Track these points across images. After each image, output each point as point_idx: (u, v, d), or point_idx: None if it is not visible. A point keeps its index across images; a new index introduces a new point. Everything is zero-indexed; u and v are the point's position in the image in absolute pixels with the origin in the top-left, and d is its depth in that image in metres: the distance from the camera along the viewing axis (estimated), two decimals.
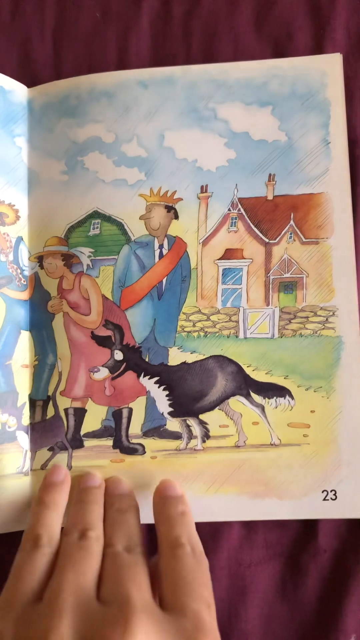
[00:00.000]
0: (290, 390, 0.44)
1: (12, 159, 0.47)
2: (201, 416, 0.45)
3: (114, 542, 0.36)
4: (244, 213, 0.46)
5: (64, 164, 0.47)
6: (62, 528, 0.38)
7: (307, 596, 0.43)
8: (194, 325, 0.45)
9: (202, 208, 0.46)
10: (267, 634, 0.43)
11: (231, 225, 0.46)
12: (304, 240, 0.45)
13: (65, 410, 0.45)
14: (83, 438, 0.45)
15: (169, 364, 0.45)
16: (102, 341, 0.45)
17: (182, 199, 0.46)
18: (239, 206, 0.46)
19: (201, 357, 0.45)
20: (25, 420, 0.45)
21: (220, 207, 0.46)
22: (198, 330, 0.45)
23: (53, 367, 0.46)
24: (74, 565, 0.33)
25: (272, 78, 0.46)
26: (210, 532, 0.44)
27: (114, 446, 0.45)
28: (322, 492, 0.43)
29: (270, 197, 0.46)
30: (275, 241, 0.46)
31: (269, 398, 0.44)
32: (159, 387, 0.45)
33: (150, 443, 0.45)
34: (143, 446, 0.45)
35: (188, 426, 0.45)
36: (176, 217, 0.46)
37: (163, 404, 0.45)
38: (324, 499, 0.43)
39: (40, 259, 0.47)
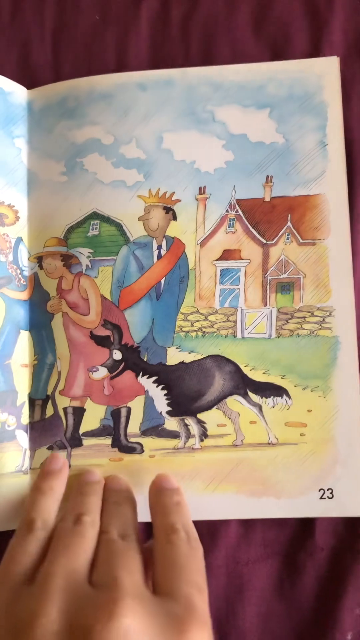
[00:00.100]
0: (287, 390, 0.45)
1: (11, 160, 0.47)
2: (199, 415, 0.45)
3: (109, 529, 0.36)
4: (241, 214, 0.46)
5: (63, 165, 0.47)
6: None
7: (304, 594, 0.43)
8: (192, 325, 0.46)
9: (200, 209, 0.47)
10: (265, 631, 0.43)
11: (229, 226, 0.46)
12: (301, 241, 0.46)
13: (64, 409, 0.45)
14: (82, 437, 0.45)
15: (167, 363, 0.46)
16: (101, 341, 0.46)
17: (180, 200, 0.47)
18: (237, 207, 0.46)
19: (199, 356, 0.45)
20: (25, 419, 0.45)
21: (218, 208, 0.46)
22: (196, 330, 0.46)
23: (52, 366, 0.46)
24: (67, 548, 0.33)
25: (269, 81, 0.47)
26: (208, 531, 0.44)
27: (113, 445, 0.45)
28: (319, 490, 0.43)
29: (267, 199, 0.46)
30: (273, 242, 0.46)
31: (266, 397, 0.45)
32: (157, 386, 0.45)
33: (149, 442, 0.45)
34: (141, 445, 0.45)
35: (186, 425, 0.45)
36: (174, 218, 0.47)
37: (161, 404, 0.45)
38: (321, 498, 0.43)
39: (39, 260, 0.47)
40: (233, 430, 0.45)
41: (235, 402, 0.45)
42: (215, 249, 0.46)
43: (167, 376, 0.46)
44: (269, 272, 0.46)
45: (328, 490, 0.43)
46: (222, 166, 0.46)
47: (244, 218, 0.46)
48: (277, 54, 0.50)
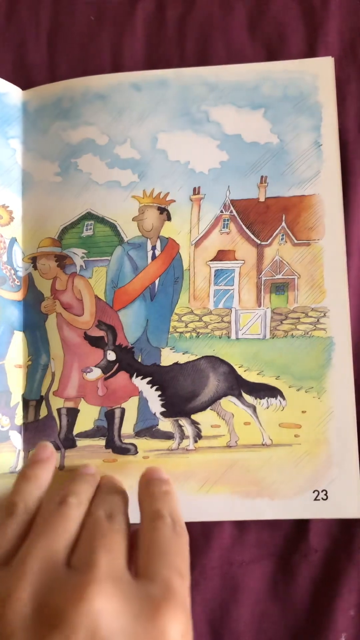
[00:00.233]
0: (281, 391, 0.44)
1: (6, 161, 0.47)
2: (193, 416, 0.45)
3: (95, 510, 0.35)
4: (236, 215, 0.46)
5: (58, 165, 0.47)
6: None
7: (298, 596, 0.43)
8: (186, 326, 0.46)
9: (194, 210, 0.46)
10: (259, 633, 0.43)
11: (223, 227, 0.46)
12: (295, 241, 0.46)
13: (58, 410, 0.45)
14: (76, 438, 0.45)
15: (161, 364, 0.46)
16: (95, 342, 0.46)
17: (174, 201, 0.46)
18: (231, 208, 0.46)
19: (193, 357, 0.45)
20: (19, 420, 0.45)
21: (212, 208, 0.46)
22: (190, 330, 0.46)
23: (46, 367, 0.46)
24: (47, 530, 0.32)
25: (264, 81, 0.47)
26: (202, 532, 0.44)
27: (107, 446, 0.45)
28: (313, 492, 0.43)
29: (262, 199, 0.46)
30: (267, 243, 0.46)
31: (260, 398, 0.45)
32: (151, 387, 0.45)
33: (143, 443, 0.45)
34: (135, 446, 0.45)
35: (180, 426, 0.45)
36: (169, 218, 0.47)
37: (155, 404, 0.45)
38: (315, 499, 0.43)
39: (34, 260, 0.47)
40: (227, 431, 0.45)
41: (229, 403, 0.45)
42: (210, 249, 0.46)
43: (161, 377, 0.45)
44: (263, 272, 0.46)
45: (322, 491, 0.43)
46: (217, 166, 0.46)
47: (238, 218, 0.46)
48: (273, 54, 0.50)
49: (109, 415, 0.45)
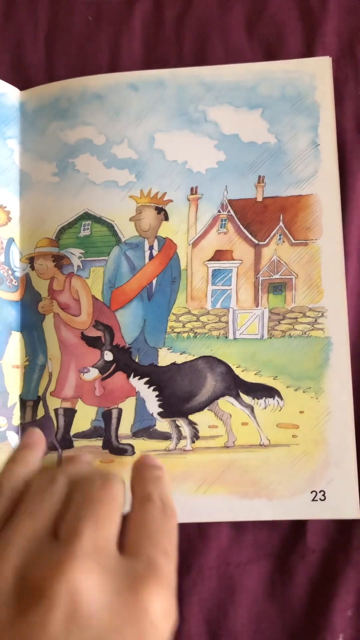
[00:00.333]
0: (279, 391, 0.44)
1: (4, 161, 0.47)
2: (190, 417, 0.45)
3: (87, 477, 0.32)
4: (233, 215, 0.46)
5: (55, 165, 0.47)
6: None
7: (295, 596, 0.43)
8: (183, 326, 0.46)
9: (192, 209, 0.46)
10: (256, 633, 0.43)
11: (221, 227, 0.46)
12: (293, 241, 0.46)
13: (55, 410, 0.45)
14: (73, 438, 0.45)
15: (158, 364, 0.45)
16: (92, 342, 0.46)
17: (172, 201, 0.46)
18: (229, 208, 0.46)
19: (191, 357, 0.45)
20: (16, 420, 0.45)
21: (210, 208, 0.46)
22: (188, 331, 0.46)
23: (43, 367, 0.46)
24: (34, 506, 0.30)
25: (261, 81, 0.47)
26: (200, 532, 0.44)
27: (104, 447, 0.45)
28: (311, 492, 0.43)
29: (259, 199, 0.46)
30: (265, 242, 0.46)
31: (258, 399, 0.45)
32: (148, 387, 0.45)
33: (140, 443, 0.45)
34: (132, 447, 0.45)
35: (177, 427, 0.45)
36: (166, 218, 0.46)
37: (153, 405, 0.45)
38: (313, 500, 0.43)
39: (31, 260, 0.47)
40: (225, 432, 0.44)
41: (226, 404, 0.45)
42: (207, 249, 0.46)
43: (158, 377, 0.45)
44: (260, 272, 0.46)
45: (320, 492, 0.43)
46: (214, 166, 0.46)
47: (235, 218, 0.46)
48: (271, 54, 0.50)
49: (106, 415, 0.45)
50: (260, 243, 0.46)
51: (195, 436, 0.45)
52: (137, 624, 0.25)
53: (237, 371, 0.45)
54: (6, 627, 0.25)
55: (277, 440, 0.44)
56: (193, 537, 0.44)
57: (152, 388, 0.45)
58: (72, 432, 0.45)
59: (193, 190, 0.46)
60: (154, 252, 0.46)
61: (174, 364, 0.45)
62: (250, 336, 0.45)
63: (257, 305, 0.46)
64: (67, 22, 0.52)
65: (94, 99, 0.47)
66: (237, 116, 0.47)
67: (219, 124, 0.47)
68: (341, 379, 0.44)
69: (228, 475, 0.44)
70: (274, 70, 0.47)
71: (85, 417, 0.45)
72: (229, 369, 0.45)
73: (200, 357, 0.45)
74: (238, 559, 0.44)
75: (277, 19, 0.50)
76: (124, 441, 0.45)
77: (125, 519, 0.34)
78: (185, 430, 0.45)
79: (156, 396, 0.45)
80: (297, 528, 0.44)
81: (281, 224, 0.46)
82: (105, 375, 0.45)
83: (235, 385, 0.45)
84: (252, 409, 0.45)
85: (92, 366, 0.45)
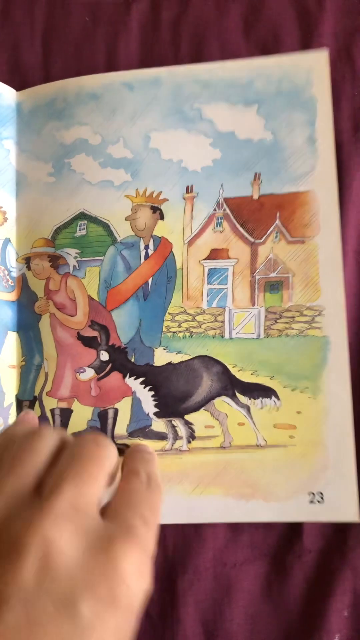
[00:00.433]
0: (275, 391, 0.44)
1: (0, 162, 0.47)
2: (187, 417, 0.45)
3: (78, 437, 0.32)
4: (229, 213, 0.46)
5: (51, 166, 0.47)
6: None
7: (292, 596, 0.43)
8: (179, 326, 0.45)
9: (187, 208, 0.46)
10: (252, 634, 0.42)
11: (217, 225, 0.46)
12: (289, 239, 0.45)
13: (52, 410, 0.45)
14: None
15: (154, 364, 0.45)
16: (88, 342, 0.46)
17: (167, 200, 0.46)
18: (225, 206, 0.46)
19: (187, 357, 0.45)
20: (12, 420, 0.45)
21: (205, 207, 0.46)
22: (183, 330, 0.45)
23: (39, 367, 0.46)
24: (16, 461, 0.30)
25: (257, 77, 0.46)
26: (196, 532, 0.44)
27: None
28: (309, 494, 0.42)
29: (255, 197, 0.46)
30: (261, 241, 0.45)
31: (254, 399, 0.44)
32: (144, 387, 0.45)
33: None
34: (128, 447, 0.44)
35: (173, 427, 0.45)
36: (162, 217, 0.46)
37: (149, 405, 0.45)
38: (311, 502, 0.42)
39: (27, 260, 0.47)
40: (221, 432, 0.44)
41: (223, 404, 0.45)
42: (203, 248, 0.46)
43: (154, 377, 0.45)
44: (257, 271, 0.45)
45: (318, 494, 0.42)
46: (210, 164, 0.46)
47: (232, 217, 0.46)
48: (267, 55, 0.49)
49: (102, 415, 0.45)
50: (257, 241, 0.45)
51: (192, 436, 0.44)
52: (107, 581, 0.25)
53: (234, 371, 0.44)
54: None
55: (274, 441, 0.43)
56: (189, 537, 0.44)
57: (148, 388, 0.45)
58: (68, 432, 0.45)
59: (188, 189, 0.46)
60: (150, 252, 0.46)
61: (170, 363, 0.45)
62: (246, 335, 0.45)
63: (253, 304, 0.45)
64: (63, 22, 0.52)
65: (89, 98, 0.47)
66: (232, 113, 0.46)
67: (214, 121, 0.46)
68: (339, 379, 0.43)
69: (224, 476, 0.43)
70: (270, 66, 0.46)
71: (81, 417, 0.45)
72: (225, 369, 0.45)
73: (196, 357, 0.45)
74: (234, 559, 0.44)
75: (273, 20, 0.50)
76: (120, 441, 0.45)
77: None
78: (182, 430, 0.44)
79: (152, 396, 0.45)
80: (294, 528, 0.43)
81: (278, 221, 0.45)
82: (101, 375, 0.45)
83: (231, 385, 0.44)
84: (248, 409, 0.44)
85: (88, 366, 0.45)
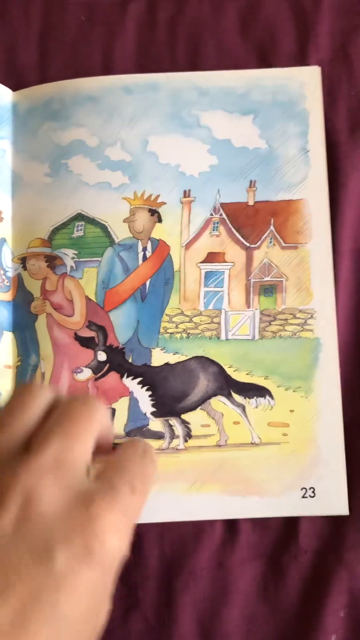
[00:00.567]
0: (270, 391, 0.45)
1: None
2: (183, 416, 0.45)
3: (73, 395, 0.31)
4: (225, 218, 0.47)
5: (48, 166, 0.47)
6: None
7: (288, 596, 0.43)
8: (176, 327, 0.46)
9: (185, 212, 0.47)
10: (249, 634, 0.43)
11: (213, 230, 0.47)
12: (283, 245, 0.47)
13: None
14: None
15: (152, 364, 0.46)
16: (86, 342, 0.46)
17: (165, 203, 0.47)
18: (221, 211, 0.47)
19: (183, 358, 0.46)
20: None
21: (202, 211, 0.47)
22: (180, 331, 0.46)
23: (36, 368, 0.46)
24: (6, 416, 0.29)
25: (253, 88, 0.48)
26: (192, 533, 0.44)
27: None
28: (301, 489, 0.44)
29: (251, 203, 0.47)
30: (256, 245, 0.47)
31: (249, 398, 0.45)
32: (141, 387, 0.46)
33: None
34: None
35: (170, 426, 0.45)
36: (159, 220, 0.47)
37: (146, 404, 0.46)
38: (303, 497, 0.44)
39: (23, 260, 0.47)
40: (217, 431, 0.45)
41: (219, 403, 0.46)
42: (200, 251, 0.47)
43: (151, 377, 0.46)
44: (252, 274, 0.47)
45: (310, 489, 0.44)
46: (207, 170, 0.47)
47: (228, 222, 0.47)
48: (264, 57, 0.50)
49: None
50: (252, 246, 0.47)
51: (188, 435, 0.45)
52: (83, 536, 0.25)
53: (229, 371, 0.46)
54: None
55: (268, 439, 0.45)
56: (185, 537, 0.44)
57: (145, 388, 0.46)
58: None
59: (186, 193, 0.47)
60: (148, 254, 0.47)
61: (167, 364, 0.46)
62: (241, 337, 0.46)
63: (248, 307, 0.47)
64: (60, 22, 0.52)
65: (87, 100, 0.48)
66: (229, 121, 0.48)
67: (211, 128, 0.47)
68: (330, 379, 0.45)
69: (220, 473, 0.44)
70: (265, 77, 0.48)
71: None
72: (221, 369, 0.46)
73: (192, 358, 0.46)
74: (230, 559, 0.44)
75: (270, 21, 0.51)
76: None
77: None
78: (178, 429, 0.45)
79: (149, 396, 0.46)
80: (290, 528, 0.44)
81: (272, 227, 0.47)
82: (98, 375, 0.46)
83: (227, 385, 0.46)
84: (243, 408, 0.45)
85: (86, 366, 0.46)
